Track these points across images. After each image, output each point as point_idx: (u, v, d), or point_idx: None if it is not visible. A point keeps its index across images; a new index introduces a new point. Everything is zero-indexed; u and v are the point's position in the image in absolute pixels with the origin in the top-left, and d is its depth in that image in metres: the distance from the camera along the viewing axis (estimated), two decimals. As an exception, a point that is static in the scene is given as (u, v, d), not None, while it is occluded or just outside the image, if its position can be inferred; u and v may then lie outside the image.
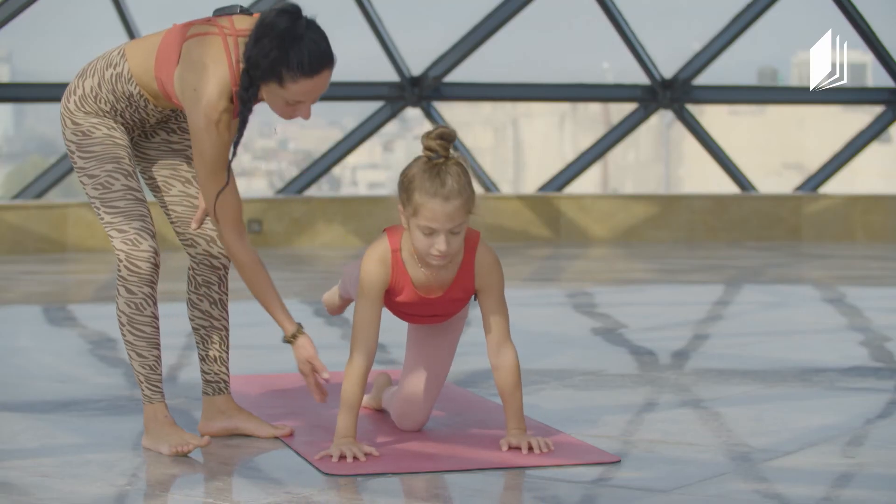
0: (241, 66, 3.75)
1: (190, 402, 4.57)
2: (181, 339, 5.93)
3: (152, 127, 4.05)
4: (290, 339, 3.89)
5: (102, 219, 3.89)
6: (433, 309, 3.92)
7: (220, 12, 3.91)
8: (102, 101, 3.91)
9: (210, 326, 4.10)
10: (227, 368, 4.13)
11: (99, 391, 4.82)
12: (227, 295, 4.12)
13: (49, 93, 11.60)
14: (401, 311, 3.95)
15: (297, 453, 3.83)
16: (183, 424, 4.10)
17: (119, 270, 3.87)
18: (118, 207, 3.87)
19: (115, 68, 3.91)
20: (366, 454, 3.74)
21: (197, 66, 3.78)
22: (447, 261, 3.77)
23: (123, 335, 3.90)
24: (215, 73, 3.77)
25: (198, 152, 3.79)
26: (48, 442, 3.99)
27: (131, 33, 11.50)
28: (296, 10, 3.71)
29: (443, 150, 3.72)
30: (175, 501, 3.37)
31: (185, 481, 3.58)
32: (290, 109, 3.78)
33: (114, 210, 3.87)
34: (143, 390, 3.92)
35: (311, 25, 3.72)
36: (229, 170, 3.84)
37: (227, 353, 4.13)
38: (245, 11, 3.90)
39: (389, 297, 3.89)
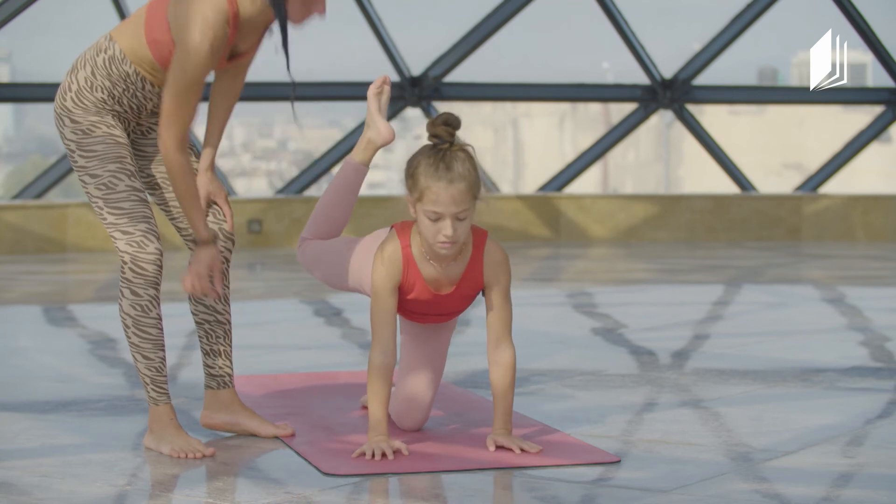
0: None
1: (190, 402, 4.57)
2: (181, 339, 5.93)
3: (148, 119, 4.00)
4: (203, 241, 3.85)
5: (105, 219, 3.87)
6: (442, 307, 3.92)
7: None
8: (99, 89, 3.89)
9: (214, 321, 4.09)
10: (231, 363, 4.12)
11: (99, 391, 4.82)
12: (228, 289, 4.12)
13: (49, 93, 11.59)
14: (409, 309, 3.94)
15: (298, 453, 3.83)
16: (183, 424, 4.09)
17: (123, 273, 3.86)
18: (123, 209, 3.85)
19: (105, 52, 3.88)
20: (395, 451, 3.76)
21: None
22: (454, 250, 3.76)
23: (128, 337, 3.89)
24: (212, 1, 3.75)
25: (179, 69, 3.73)
26: (48, 442, 3.99)
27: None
28: None
29: (448, 135, 3.74)
30: (175, 501, 3.37)
31: (186, 481, 3.58)
32: (306, 9, 3.77)
33: (118, 211, 3.85)
34: (148, 392, 3.91)
35: None
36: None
37: (231, 347, 4.12)
38: None
39: (400, 296, 3.88)
